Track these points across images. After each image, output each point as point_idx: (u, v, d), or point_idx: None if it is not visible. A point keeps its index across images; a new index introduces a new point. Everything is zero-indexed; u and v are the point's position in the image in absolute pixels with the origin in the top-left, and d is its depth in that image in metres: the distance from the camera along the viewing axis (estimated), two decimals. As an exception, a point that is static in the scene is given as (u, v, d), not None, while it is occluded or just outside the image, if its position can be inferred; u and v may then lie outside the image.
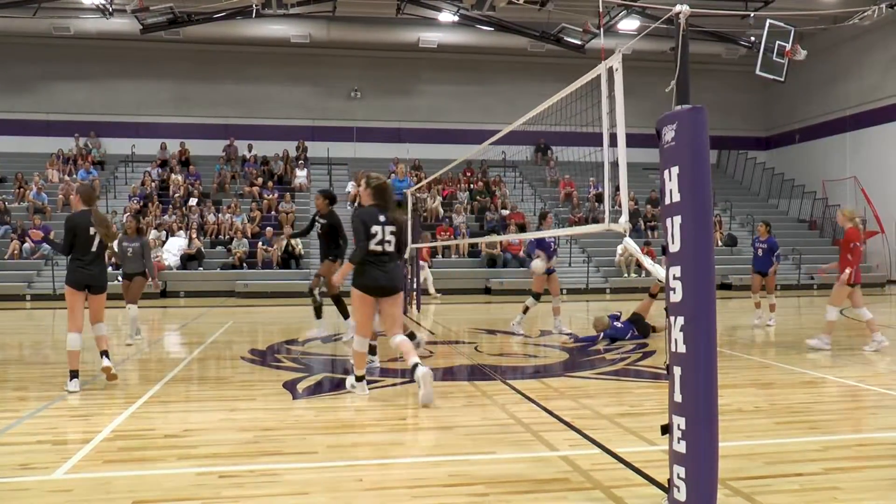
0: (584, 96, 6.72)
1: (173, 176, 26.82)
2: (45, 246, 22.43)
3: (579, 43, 24.61)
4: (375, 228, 6.99)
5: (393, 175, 25.91)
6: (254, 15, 21.97)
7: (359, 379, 7.21)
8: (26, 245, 22.55)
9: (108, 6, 22.42)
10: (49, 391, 7.44)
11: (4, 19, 23.78)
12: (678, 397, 3.68)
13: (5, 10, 22.37)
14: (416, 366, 6.68)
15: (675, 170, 3.70)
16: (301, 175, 28.08)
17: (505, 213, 25.95)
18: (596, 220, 23.85)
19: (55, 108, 28.64)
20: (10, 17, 23.40)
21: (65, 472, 4.70)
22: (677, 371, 3.69)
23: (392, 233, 7.05)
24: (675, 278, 3.72)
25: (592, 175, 26.78)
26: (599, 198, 26.52)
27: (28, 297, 21.03)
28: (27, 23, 23.99)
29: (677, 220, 3.69)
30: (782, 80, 18.07)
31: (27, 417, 6.26)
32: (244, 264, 22.94)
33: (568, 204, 27.14)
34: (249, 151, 28.90)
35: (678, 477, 3.66)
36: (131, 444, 5.37)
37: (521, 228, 24.05)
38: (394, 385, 7.82)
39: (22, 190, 25.56)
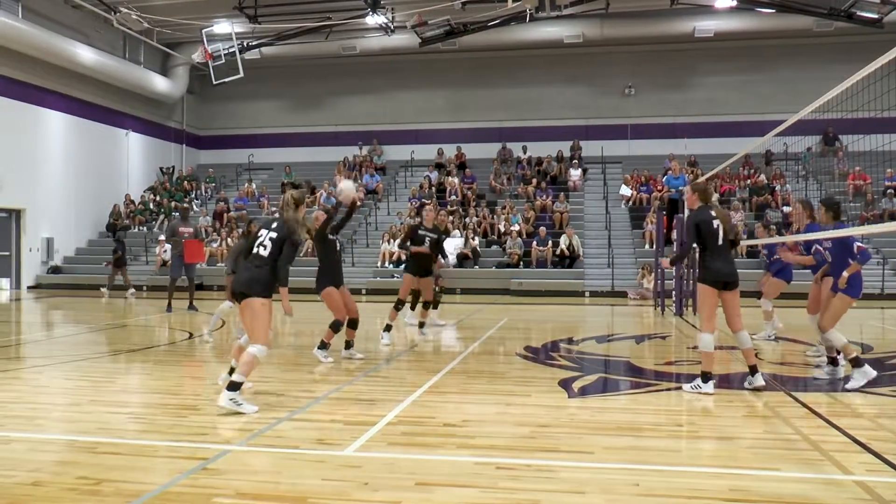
0: (882, 78, 6.12)
1: (450, 179, 28.06)
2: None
3: (876, 17, 22.12)
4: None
5: (669, 172, 25.22)
6: (528, 20, 22.38)
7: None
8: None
9: (390, 24, 24.04)
10: (339, 376, 8.11)
11: (302, 45, 26.51)
12: None
13: (303, 38, 25.00)
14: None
15: None
16: (575, 174, 28.17)
17: (787, 209, 24.22)
18: (893, 217, 21.57)
19: (342, 120, 31.28)
20: (306, 42, 26.06)
21: (355, 450, 5.10)
22: None
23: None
24: None
25: (890, 166, 24.20)
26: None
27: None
28: (320, 46, 26.62)
29: None
30: None
31: (322, 398, 6.86)
32: (520, 263, 23.48)
33: (860, 199, 24.70)
34: (524, 153, 29.50)
35: None
36: (413, 430, 5.69)
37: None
38: (668, 389, 7.59)
39: (314, 195, 28.03)
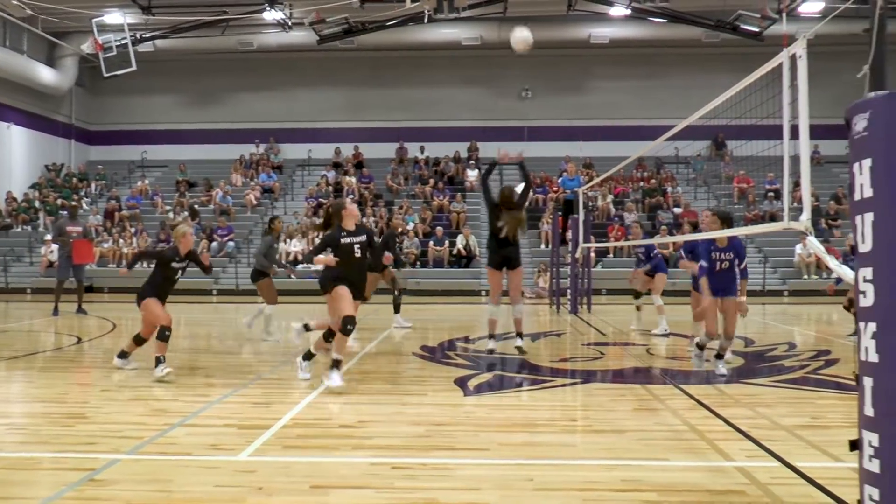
0: (763, 87, 6.41)
1: (347, 178, 27.92)
2: (230, 244, 24.05)
3: (757, 30, 23.35)
4: None
5: (564, 174, 25.75)
6: (426, 20, 22.46)
7: None
8: (214, 243, 24.19)
9: (287, 20, 23.69)
10: (233, 379, 7.95)
11: (198, 39, 25.79)
12: (869, 411, 3.40)
13: (199, 31, 24.33)
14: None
15: (866, 162, 3.44)
16: (472, 175, 28.44)
17: (678, 211, 25.14)
18: (774, 218, 22.66)
19: (238, 117, 30.60)
20: (202, 36, 25.34)
21: (249, 455, 5.01)
22: (868, 382, 3.41)
23: None
24: (865, 281, 3.45)
25: (770, 170, 25.44)
26: (777, 194, 25.16)
27: (214, 292, 22.56)
28: (216, 41, 25.91)
29: (869, 217, 3.42)
30: None
31: (216, 402, 6.71)
32: (417, 262, 23.52)
33: (743, 201, 25.89)
34: (422, 153, 29.60)
35: (870, 499, 3.38)
36: (309, 432, 5.63)
37: (695, 227, 23.18)
38: (563, 385, 7.76)
39: (212, 192, 27.42)
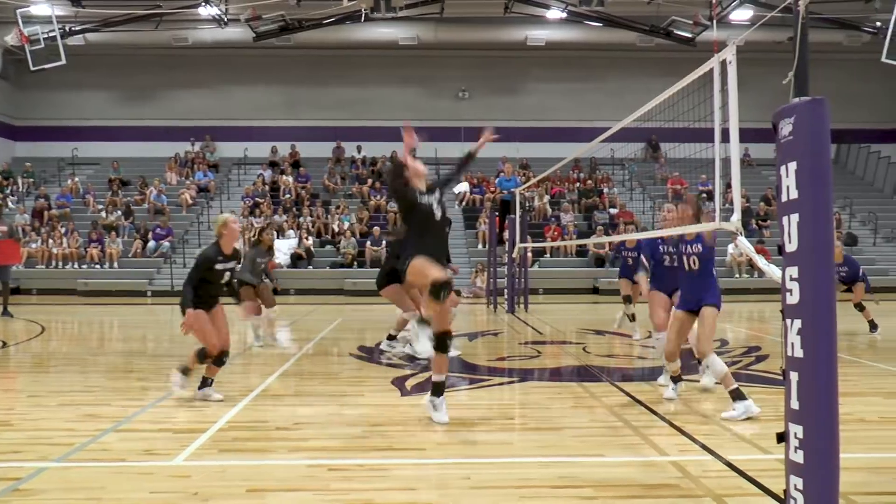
0: (695, 91, 6.55)
1: (284, 177, 27.63)
2: (165, 244, 23.59)
3: (689, 36, 23.93)
4: None
5: (501, 174, 25.93)
6: (363, 19, 22.38)
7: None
8: (150, 244, 23.70)
9: (223, 16, 23.30)
10: (169, 382, 7.78)
11: (130, 33, 25.18)
12: (795, 404, 3.52)
13: (131, 25, 23.72)
14: None
15: (792, 165, 3.55)
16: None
17: (613, 211, 25.55)
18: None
19: (174, 115, 29.97)
20: (135, 30, 24.75)
21: (184, 459, 4.92)
22: (794, 377, 3.53)
23: None
24: (791, 279, 3.56)
25: (703, 172, 26.06)
26: (710, 195, 25.77)
27: (149, 294, 22.09)
28: (150, 35, 25.30)
29: (794, 218, 3.54)
30: (910, 67, 17.02)
31: (150, 406, 6.58)
32: (354, 263, 23.39)
33: (677, 202, 26.43)
34: (359, 153, 29.46)
35: (795, 488, 3.50)
36: (245, 435, 5.56)
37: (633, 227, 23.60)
38: (501, 384, 7.82)
39: (147, 192, 26.82)
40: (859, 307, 11.89)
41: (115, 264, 23.25)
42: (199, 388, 6.79)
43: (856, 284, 11.87)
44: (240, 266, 9.32)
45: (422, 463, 4.89)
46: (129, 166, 28.63)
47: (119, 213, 25.50)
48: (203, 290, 6.71)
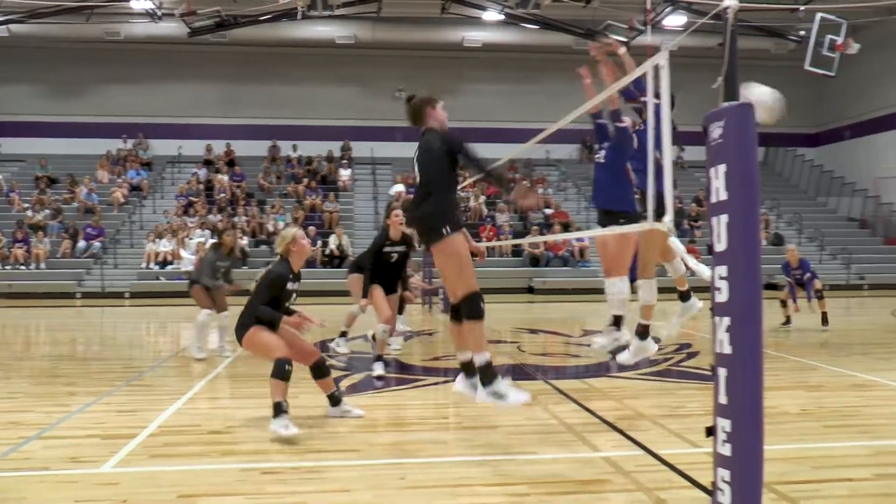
0: (629, 94, 6.66)
1: (219, 176, 27.19)
2: (96, 244, 23.00)
3: (625, 40, 24.29)
4: None
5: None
6: (299, 17, 22.13)
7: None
8: (81, 244, 23.06)
9: (157, 11, 22.79)
10: (98, 387, 7.59)
11: (59, 25, 24.35)
12: (723, 399, 3.61)
13: (61, 17, 22.93)
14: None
15: (721, 167, 3.64)
16: (345, 175, 28.27)
17: (549, 211, 25.82)
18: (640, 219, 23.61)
19: (105, 111, 29.16)
20: (64, 22, 23.95)
21: (112, 466, 4.80)
22: (722, 372, 3.63)
23: None
24: (720, 278, 3.65)
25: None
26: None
27: (78, 295, 21.48)
28: (80, 28, 24.51)
29: (724, 218, 3.63)
30: (833, 74, 17.64)
31: (77, 412, 6.39)
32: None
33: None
34: (295, 152, 29.16)
35: (722, 480, 3.60)
36: (177, 440, 5.46)
37: (565, 227, 23.92)
38: (436, 384, 7.83)
39: (77, 190, 26.09)
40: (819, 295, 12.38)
41: (42, 265, 22.55)
42: (332, 406, 6.25)
43: (812, 281, 12.42)
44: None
45: (357, 464, 4.86)
46: (57, 164, 27.76)
47: (47, 212, 24.72)
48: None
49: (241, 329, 6.10)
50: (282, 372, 5.73)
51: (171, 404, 6.61)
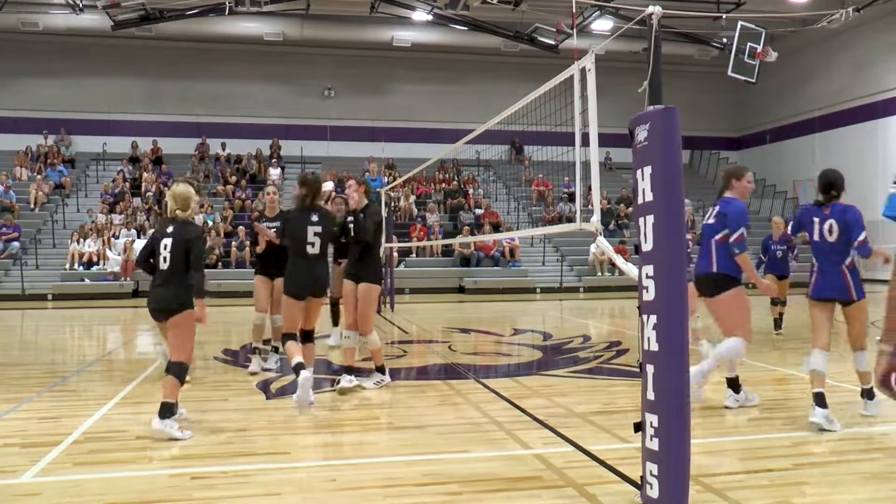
0: (557, 96, 6.75)
1: (145, 174, 26.55)
2: (15, 245, 22.19)
3: (553, 43, 24.71)
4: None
5: (366, 174, 25.86)
6: (227, 12, 21.83)
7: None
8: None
9: (78, 2, 22.12)
10: (18, 393, 7.34)
11: (-31, 14, 23.40)
12: (651, 395, 3.71)
13: (-28, 6, 22.04)
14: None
15: (647, 169, 3.73)
16: (274, 173, 27.91)
17: (479, 212, 25.98)
18: (569, 220, 23.97)
19: (23, 105, 28.10)
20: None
21: (34, 476, 4.64)
22: (650, 369, 3.72)
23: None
24: (647, 277, 3.74)
25: (566, 174, 26.93)
26: (572, 197, 26.65)
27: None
28: (-6, 18, 23.60)
29: (650, 219, 3.72)
30: (753, 81, 18.23)
31: (-5, 419, 6.17)
32: (219, 263, 22.68)
33: (541, 203, 27.23)
34: (223, 150, 28.67)
35: (651, 474, 3.69)
36: (102, 447, 5.31)
37: (496, 228, 24.10)
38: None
39: None
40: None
41: (-45, 266, 21.66)
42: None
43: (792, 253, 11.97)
44: None
45: (287, 467, 4.82)
46: (-30, 160, 26.72)
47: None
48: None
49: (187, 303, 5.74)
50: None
51: (97, 410, 6.43)
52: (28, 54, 27.57)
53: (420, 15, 23.96)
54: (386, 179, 25.19)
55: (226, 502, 4.14)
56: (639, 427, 3.84)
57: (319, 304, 6.94)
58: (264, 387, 7.52)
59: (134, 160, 27.70)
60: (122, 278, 21.67)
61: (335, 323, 10.36)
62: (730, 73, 16.95)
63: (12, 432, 5.75)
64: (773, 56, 17.48)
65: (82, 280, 21.51)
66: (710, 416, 6.11)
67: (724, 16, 21.74)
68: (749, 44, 16.62)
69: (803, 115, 29.51)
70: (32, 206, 24.76)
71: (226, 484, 4.45)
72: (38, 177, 26.11)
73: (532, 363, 9.02)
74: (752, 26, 16.32)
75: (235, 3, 21.25)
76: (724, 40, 24.04)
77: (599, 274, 23.85)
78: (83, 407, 6.58)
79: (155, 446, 5.29)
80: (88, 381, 8.20)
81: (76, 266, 21.96)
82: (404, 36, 27.28)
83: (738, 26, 16.34)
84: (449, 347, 10.59)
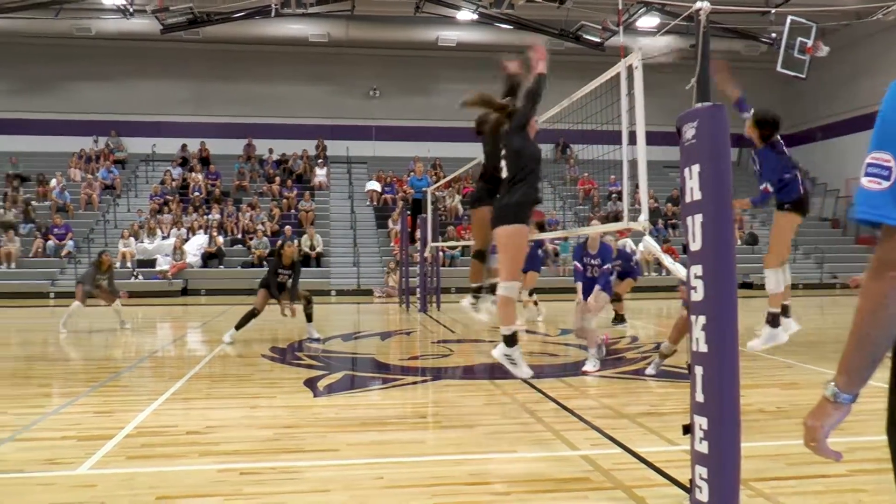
0: (603, 94, 6.70)
1: (193, 175, 26.99)
2: (69, 244, 22.74)
3: (598, 41, 24.48)
4: None
5: (412, 174, 25.99)
6: (273, 14, 22.04)
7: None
8: (50, 242, 22.80)
9: (128, 7, 22.55)
10: (73, 387, 7.53)
11: (28, 21, 24.05)
12: (700, 397, 3.66)
13: (29, 12, 22.62)
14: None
15: (695, 168, 3.68)
16: (320, 174, 28.18)
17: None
18: (616, 219, 23.77)
19: (76, 108, 28.78)
20: (33, 18, 23.65)
21: (89, 468, 4.75)
22: (699, 370, 3.67)
23: None
24: (696, 277, 3.70)
25: (612, 173, 26.71)
26: (619, 196, 26.42)
27: (51, 295, 21.23)
28: (49, 24, 24.21)
29: (698, 218, 3.67)
30: (803, 76, 17.88)
31: (52, 414, 6.33)
32: (263, 262, 22.93)
33: (588, 202, 27.05)
34: (270, 153, 28.99)
35: (700, 477, 3.64)
36: (154, 441, 5.42)
37: (541, 227, 23.96)
38: (414, 383, 7.83)
39: (44, 188, 25.77)
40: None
41: (14, 265, 22.26)
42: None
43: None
44: None
45: (334, 464, 4.86)
46: (29, 162, 27.45)
47: (17, 210, 24.39)
48: None
49: None
50: None
51: (148, 405, 6.56)
52: (81, 59, 28.24)
53: (465, 14, 23.94)
54: (431, 179, 25.26)
55: (275, 498, 4.19)
56: (688, 429, 3.79)
57: None
58: (312, 384, 7.59)
59: (183, 161, 28.16)
60: (171, 277, 22.07)
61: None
62: (779, 68, 16.61)
63: (69, 425, 5.90)
64: (824, 51, 17.09)
65: (137, 277, 21.98)
66: (761, 420, 6.01)
67: (773, 10, 21.36)
68: (799, 38, 16.26)
69: (856, 111, 28.82)
70: (85, 206, 25.36)
71: (275, 480, 4.51)
72: (90, 177, 26.72)
73: (579, 363, 8.96)
74: (803, 20, 15.98)
75: (281, 6, 21.47)
76: (773, 35, 23.60)
77: (646, 273, 23.59)
78: (135, 402, 6.72)
79: (204, 441, 5.38)
80: (140, 376, 8.37)
81: (127, 264, 22.41)
82: (449, 35, 27.30)
83: (788, 21, 16.01)
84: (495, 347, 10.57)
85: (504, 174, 5.91)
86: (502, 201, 5.84)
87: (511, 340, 5.68)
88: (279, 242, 12.67)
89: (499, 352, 5.73)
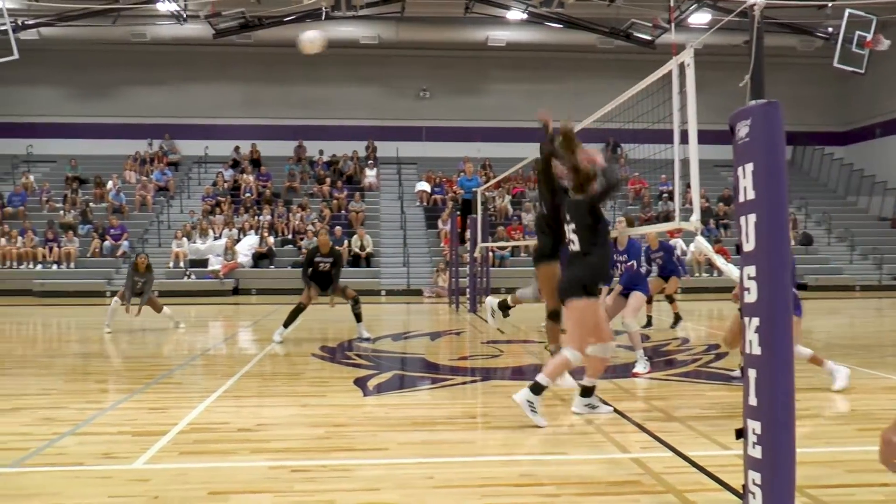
0: (654, 92, 6.64)
1: (244, 176, 27.38)
2: (125, 244, 23.27)
3: (649, 38, 24.23)
4: None
5: (461, 174, 25.98)
6: (323, 17, 22.27)
7: None
8: (106, 243, 23.36)
9: (182, 12, 23.01)
10: (129, 384, 7.69)
11: (86, 28, 24.69)
12: (753, 401, 3.58)
13: (88, 20, 23.27)
14: None
15: (749, 167, 3.61)
16: (370, 174, 28.36)
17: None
18: (667, 219, 23.48)
19: (131, 112, 29.45)
20: (91, 25, 24.28)
21: (144, 462, 4.86)
22: (752, 373, 3.59)
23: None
24: (749, 278, 3.62)
25: (663, 172, 26.39)
26: (670, 196, 26.09)
27: (108, 294, 21.71)
28: (107, 30, 24.80)
29: (752, 218, 3.60)
30: (862, 71, 17.43)
31: (109, 409, 6.47)
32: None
33: (638, 202, 26.77)
34: (320, 155, 29.27)
35: (753, 483, 3.56)
36: (206, 437, 5.51)
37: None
38: (463, 384, 7.84)
39: (100, 190, 26.40)
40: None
41: (73, 264, 22.87)
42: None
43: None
44: None
45: (385, 463, 4.88)
46: (85, 164, 28.15)
47: (76, 211, 25.05)
48: None
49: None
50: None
51: (201, 402, 6.67)
52: (136, 64, 28.87)
53: (515, 14, 23.89)
54: (481, 179, 25.23)
55: (326, 495, 4.22)
56: (740, 434, 3.72)
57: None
58: (362, 384, 7.64)
59: (235, 163, 28.58)
60: (223, 276, 22.43)
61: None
62: (836, 63, 16.24)
63: (125, 421, 6.03)
64: (884, 45, 16.63)
65: (189, 277, 22.37)
66: (817, 425, 5.89)
67: (830, 4, 20.86)
68: (857, 32, 15.88)
69: (918, 107, 28.06)
70: (140, 207, 25.92)
71: (326, 477, 4.55)
72: (145, 178, 27.31)
73: (629, 365, 8.86)
74: (862, 13, 15.60)
75: (332, 9, 21.68)
76: (830, 29, 23.06)
77: (697, 275, 23.27)
78: (188, 399, 6.84)
79: (255, 439, 5.45)
80: (192, 374, 8.52)
81: (180, 264, 22.84)
82: (499, 35, 27.26)
83: (846, 14, 15.64)
84: (545, 348, 10.52)
85: (575, 247, 6.01)
86: (575, 273, 5.97)
87: (539, 390, 5.81)
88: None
89: (521, 397, 5.79)
